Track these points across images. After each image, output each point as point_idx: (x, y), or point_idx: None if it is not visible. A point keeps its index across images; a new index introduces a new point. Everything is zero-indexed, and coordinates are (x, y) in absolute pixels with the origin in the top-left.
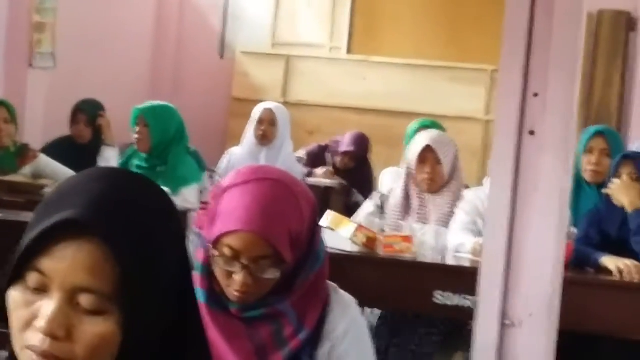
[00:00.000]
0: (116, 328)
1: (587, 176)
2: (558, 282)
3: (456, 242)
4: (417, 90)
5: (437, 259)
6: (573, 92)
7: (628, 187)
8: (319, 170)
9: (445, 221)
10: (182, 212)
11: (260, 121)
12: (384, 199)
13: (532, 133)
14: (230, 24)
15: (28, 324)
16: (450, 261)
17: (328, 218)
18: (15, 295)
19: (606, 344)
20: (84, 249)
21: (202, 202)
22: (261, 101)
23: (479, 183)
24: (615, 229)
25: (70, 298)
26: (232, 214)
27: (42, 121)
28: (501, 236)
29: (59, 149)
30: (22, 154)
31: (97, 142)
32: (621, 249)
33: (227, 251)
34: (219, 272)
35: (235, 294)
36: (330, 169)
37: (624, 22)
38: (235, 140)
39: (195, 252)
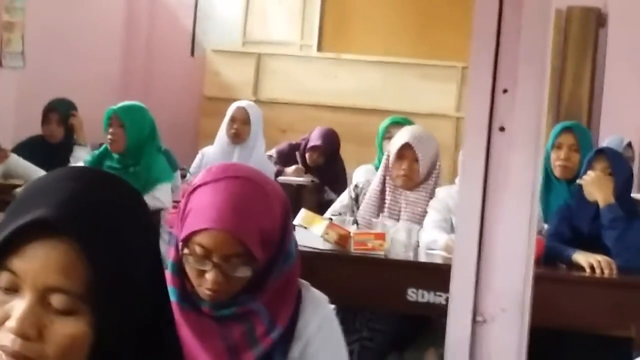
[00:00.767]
0: (87, 328)
1: (556, 172)
2: (529, 278)
3: (428, 239)
4: (388, 87)
5: (409, 256)
6: (543, 88)
7: (602, 181)
8: (290, 169)
9: (417, 219)
10: (155, 211)
11: (233, 120)
12: (358, 190)
13: (502, 129)
14: (200, 22)
15: None
16: (422, 258)
17: (300, 216)
18: None
19: (578, 339)
20: (56, 249)
21: (175, 201)
22: (233, 100)
23: (451, 180)
24: (587, 224)
25: (42, 298)
26: (203, 212)
27: (12, 121)
28: (472, 233)
29: (31, 149)
30: None
31: (69, 141)
32: (592, 245)
33: (198, 249)
34: (190, 270)
35: (207, 292)
36: (301, 166)
37: (593, 18)
38: (207, 139)
39: (167, 250)
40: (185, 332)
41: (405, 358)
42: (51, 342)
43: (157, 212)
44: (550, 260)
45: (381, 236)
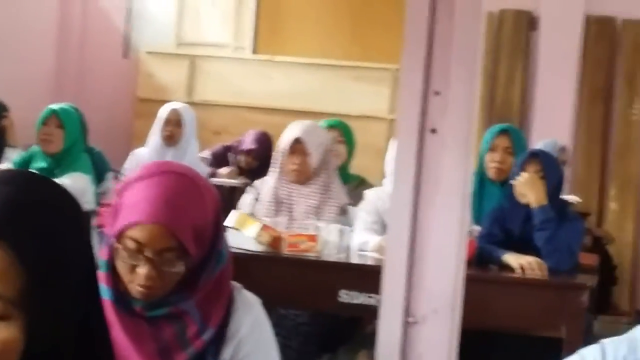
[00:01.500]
0: (19, 334)
1: (490, 174)
2: (460, 279)
3: (360, 241)
4: (322, 89)
5: (341, 258)
6: (474, 91)
7: (534, 183)
8: (223, 170)
9: (313, 212)
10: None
11: (167, 122)
12: (254, 192)
13: (433, 131)
14: (134, 24)
15: None
16: (354, 260)
17: (233, 218)
18: None
19: (509, 340)
20: None
21: (105, 203)
22: (166, 101)
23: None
24: (518, 226)
25: None
26: (136, 206)
27: None
28: (404, 234)
29: None
30: None
31: (0, 143)
32: (524, 246)
33: (130, 244)
34: (122, 267)
35: (139, 289)
36: (235, 168)
37: (525, 21)
38: (140, 140)
39: (99, 250)
40: (118, 334)
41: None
42: None
43: (87, 213)
44: (481, 262)
45: (314, 238)
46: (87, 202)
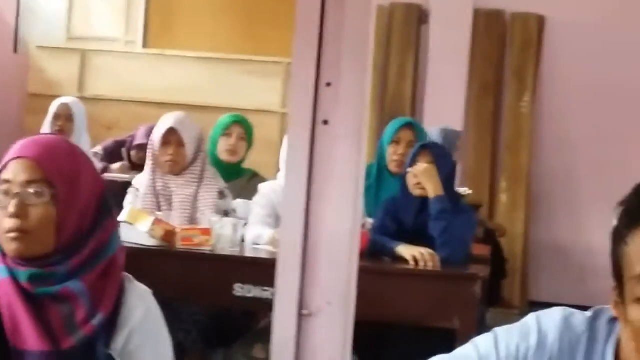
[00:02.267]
0: None
1: (392, 166)
2: (354, 271)
3: (253, 235)
4: (214, 83)
5: (235, 252)
6: (365, 82)
7: (431, 173)
8: (115, 166)
9: (190, 202)
10: None
11: (57, 117)
12: (138, 184)
13: (325, 123)
14: (24, 18)
15: None
16: (248, 253)
17: (125, 212)
18: None
19: (402, 331)
20: None
21: None
22: (58, 96)
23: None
24: (411, 218)
25: None
26: (8, 155)
27: None
28: (297, 227)
29: None
30: None
31: None
32: (417, 237)
33: (2, 188)
34: None
35: (10, 235)
36: (127, 163)
37: (416, 14)
38: (32, 136)
39: None
40: (10, 310)
41: (233, 354)
42: None
43: None
44: (374, 254)
45: (207, 232)
46: None
